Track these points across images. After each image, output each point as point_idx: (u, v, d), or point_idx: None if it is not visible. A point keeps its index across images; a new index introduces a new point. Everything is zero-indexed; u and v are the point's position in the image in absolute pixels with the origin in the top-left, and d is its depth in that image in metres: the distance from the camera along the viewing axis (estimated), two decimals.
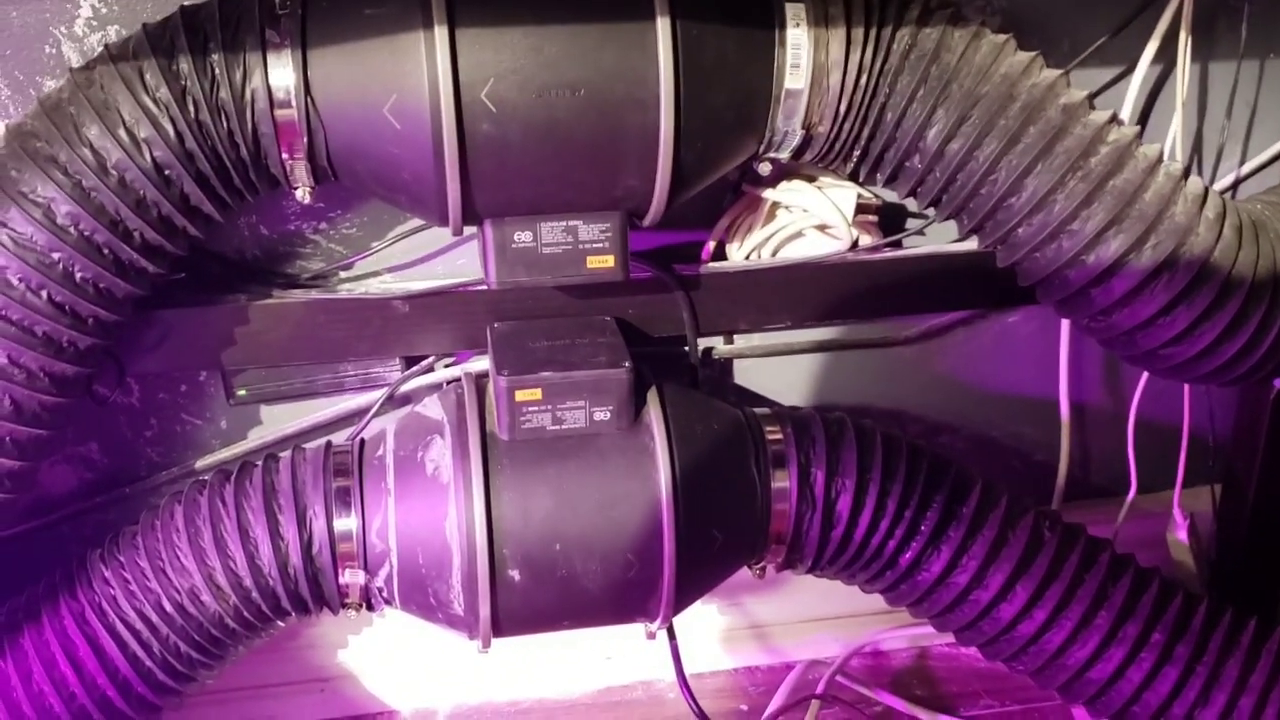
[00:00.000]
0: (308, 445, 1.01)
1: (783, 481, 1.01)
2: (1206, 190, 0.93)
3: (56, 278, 0.85)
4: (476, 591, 0.93)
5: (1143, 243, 0.90)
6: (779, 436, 1.02)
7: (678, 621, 1.05)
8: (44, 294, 0.85)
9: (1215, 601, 1.07)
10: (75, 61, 0.95)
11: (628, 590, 0.96)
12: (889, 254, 1.12)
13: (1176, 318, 0.92)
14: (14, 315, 0.84)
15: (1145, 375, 1.21)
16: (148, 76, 0.83)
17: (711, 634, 1.33)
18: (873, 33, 0.90)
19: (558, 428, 0.96)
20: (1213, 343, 0.93)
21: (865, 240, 1.10)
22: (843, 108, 0.91)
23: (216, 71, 0.84)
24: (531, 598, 0.95)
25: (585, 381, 0.95)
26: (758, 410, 1.06)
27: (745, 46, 0.89)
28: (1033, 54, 0.92)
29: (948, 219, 0.97)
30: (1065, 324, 1.21)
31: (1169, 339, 0.93)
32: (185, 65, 0.83)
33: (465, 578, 0.93)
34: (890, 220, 1.14)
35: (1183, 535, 1.28)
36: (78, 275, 0.85)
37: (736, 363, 1.21)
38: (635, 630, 1.03)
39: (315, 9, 0.86)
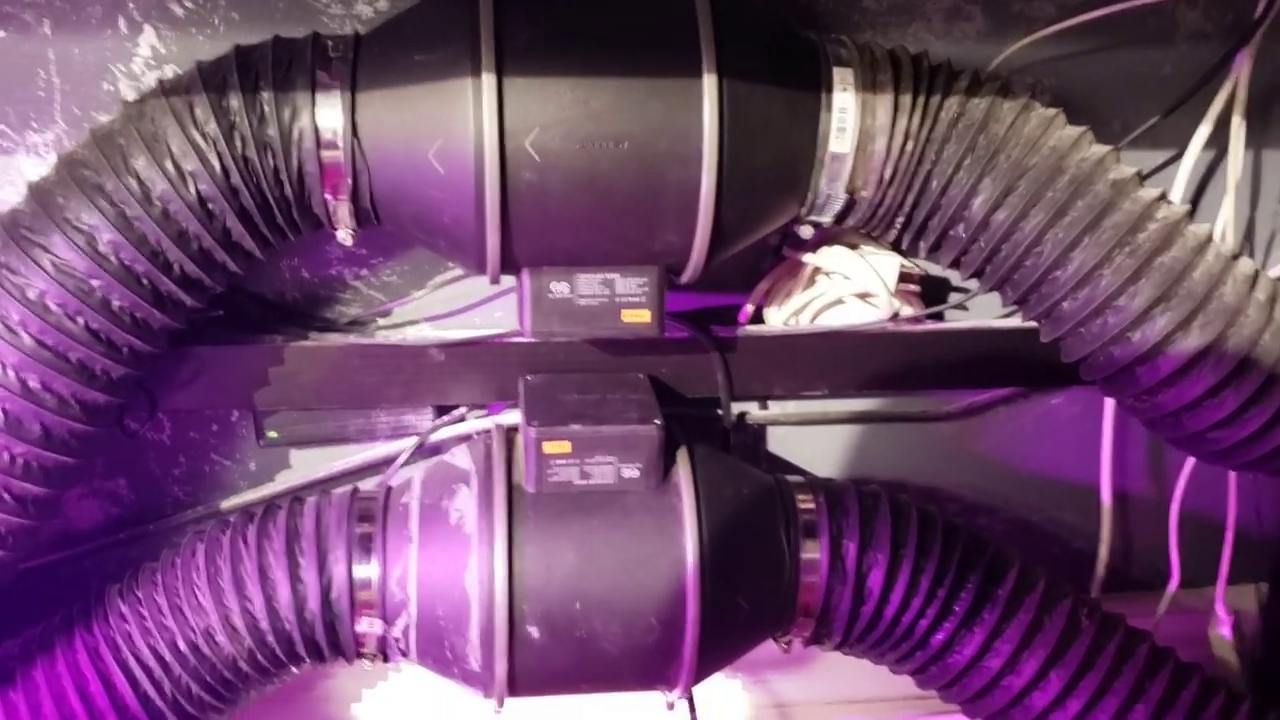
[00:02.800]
0: (335, 490, 1.00)
1: (813, 552, 0.99)
2: (1258, 272, 0.91)
3: (94, 305, 0.85)
4: (494, 647, 0.91)
5: (1190, 321, 0.88)
6: (811, 506, 1.01)
7: (699, 694, 1.03)
8: (80, 320, 0.85)
9: (1259, 702, 1.02)
10: (131, 99, 0.97)
11: (648, 655, 0.94)
12: (930, 326, 1.11)
13: (1224, 400, 0.89)
14: (49, 340, 0.85)
15: (1190, 465, 1.18)
16: (198, 111, 0.84)
17: (734, 711, 1.30)
18: (920, 100, 0.90)
19: (585, 482, 0.94)
20: (1262, 428, 0.90)
21: (906, 311, 1.09)
22: (887, 173, 0.91)
23: (266, 109, 0.85)
24: (549, 657, 0.93)
25: (615, 437, 0.94)
26: (790, 478, 1.04)
27: (791, 108, 0.89)
28: (1082, 129, 0.91)
29: (991, 290, 0.95)
30: (1109, 408, 1.19)
31: (1216, 422, 0.91)
32: (235, 102, 0.84)
33: (483, 632, 0.91)
34: (932, 293, 1.13)
35: (1226, 632, 1.24)
36: (115, 304, 0.86)
37: (770, 430, 1.19)
38: (654, 701, 1.01)
39: (367, 53, 0.87)
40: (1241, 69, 1.03)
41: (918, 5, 1.03)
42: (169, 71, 0.97)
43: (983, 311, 1.13)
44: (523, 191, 0.85)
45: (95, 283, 0.85)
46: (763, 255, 1.10)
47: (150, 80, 0.97)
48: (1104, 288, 0.88)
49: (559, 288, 0.91)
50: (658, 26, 0.86)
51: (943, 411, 1.20)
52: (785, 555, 0.98)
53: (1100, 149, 0.90)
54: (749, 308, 1.11)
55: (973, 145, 0.89)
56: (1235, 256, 0.91)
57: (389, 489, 1.00)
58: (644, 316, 0.93)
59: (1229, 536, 1.21)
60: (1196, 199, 1.12)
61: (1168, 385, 0.90)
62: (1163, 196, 0.90)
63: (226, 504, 1.13)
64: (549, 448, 0.93)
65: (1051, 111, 0.91)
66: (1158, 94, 1.06)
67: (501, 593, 0.90)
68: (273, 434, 1.10)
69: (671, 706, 1.01)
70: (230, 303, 1.01)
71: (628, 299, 0.93)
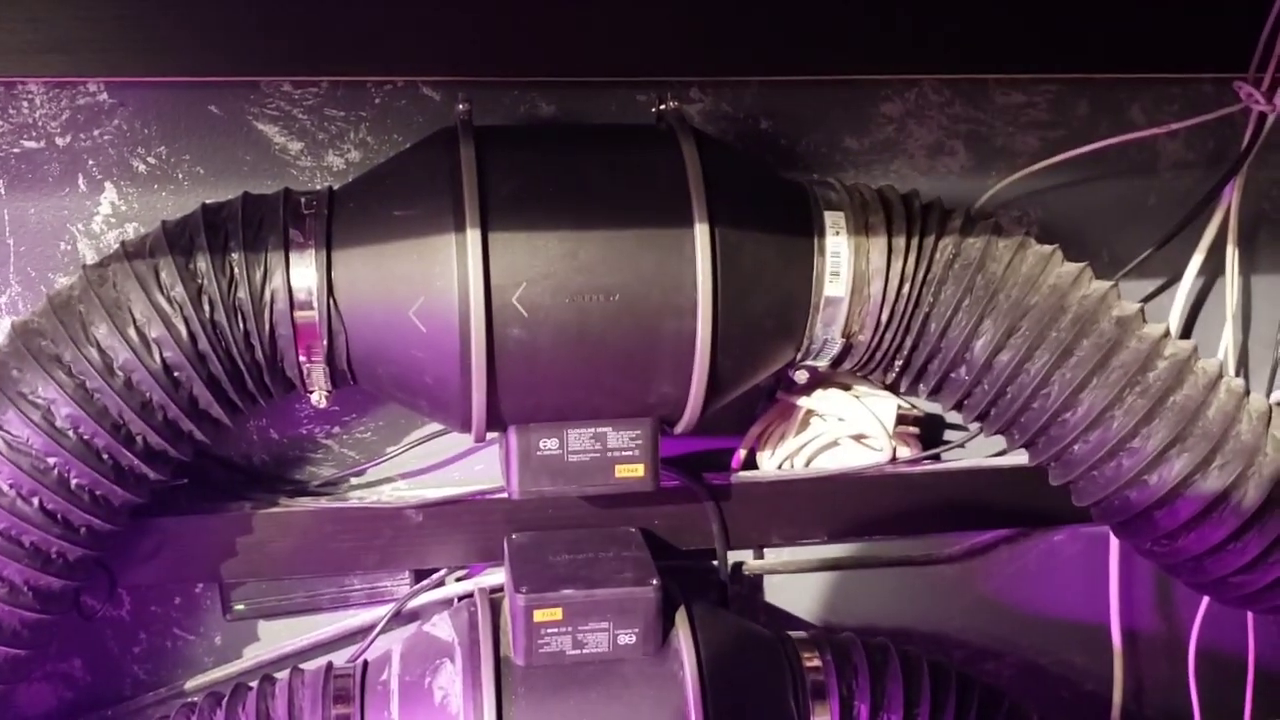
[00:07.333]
0: (307, 666, 0.94)
1: (823, 716, 0.93)
2: (1271, 408, 0.88)
3: (50, 484, 0.79)
4: None
5: (1209, 463, 0.84)
6: (818, 665, 0.96)
7: None
8: (35, 501, 0.79)
9: None
10: (90, 258, 0.93)
11: None
12: (929, 467, 1.07)
13: (1248, 544, 0.85)
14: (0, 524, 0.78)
15: (1205, 599, 1.14)
16: (163, 275, 0.80)
17: None
18: (915, 241, 0.87)
19: (579, 652, 0.89)
20: None
21: (905, 453, 1.05)
22: (884, 316, 0.88)
23: (235, 271, 0.81)
24: None
25: (609, 601, 0.88)
26: (795, 635, 0.99)
27: (784, 254, 0.86)
28: (1081, 265, 0.88)
29: (997, 434, 0.92)
30: (1114, 544, 1.15)
31: (1240, 567, 0.87)
32: (203, 264, 0.80)
33: None
34: (927, 432, 1.09)
35: None
36: (73, 481, 0.80)
37: (768, 579, 1.14)
38: None
39: (341, 208, 0.84)
40: (1232, 198, 1.02)
41: (899, 143, 1.02)
42: (130, 230, 0.93)
43: (980, 451, 1.09)
44: (510, 349, 0.80)
45: (52, 460, 0.79)
46: (755, 398, 1.06)
47: (110, 239, 0.93)
48: (1116, 429, 0.85)
49: (548, 444, 0.87)
50: (645, 175, 0.83)
51: (944, 554, 1.16)
52: None
53: (1101, 285, 0.88)
54: (741, 452, 1.07)
55: (971, 285, 0.87)
56: (1246, 392, 0.88)
57: (365, 664, 0.93)
58: (638, 471, 0.89)
59: (1250, 674, 1.16)
60: (1188, 328, 1.10)
61: (1188, 529, 0.86)
62: (1168, 333, 0.88)
63: (191, 684, 1.05)
64: (539, 616, 0.88)
65: (1048, 248, 0.89)
66: (1144, 224, 1.05)
67: None
68: (240, 607, 1.03)
69: None
70: (195, 469, 0.95)
71: (620, 453, 0.88)
